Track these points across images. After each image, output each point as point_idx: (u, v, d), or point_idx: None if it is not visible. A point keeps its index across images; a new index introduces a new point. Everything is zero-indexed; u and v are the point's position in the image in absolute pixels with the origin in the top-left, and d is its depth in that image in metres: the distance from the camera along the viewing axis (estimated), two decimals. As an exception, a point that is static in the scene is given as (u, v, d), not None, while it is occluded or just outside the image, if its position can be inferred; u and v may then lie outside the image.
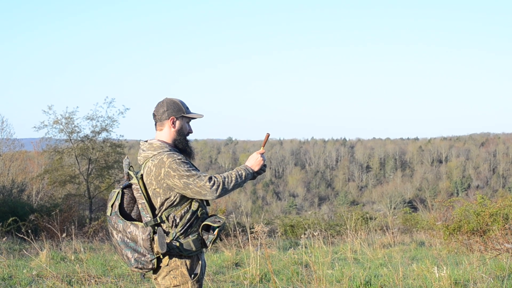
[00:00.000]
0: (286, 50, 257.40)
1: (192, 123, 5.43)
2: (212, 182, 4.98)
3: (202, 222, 5.19)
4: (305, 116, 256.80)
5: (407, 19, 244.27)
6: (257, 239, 13.35)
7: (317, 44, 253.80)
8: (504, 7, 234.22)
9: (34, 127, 33.66)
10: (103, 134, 34.88)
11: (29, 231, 15.71)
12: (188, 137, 5.36)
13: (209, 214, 5.29)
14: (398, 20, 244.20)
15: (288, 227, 24.27)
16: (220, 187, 5.00)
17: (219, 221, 5.14)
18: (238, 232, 16.22)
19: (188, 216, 5.11)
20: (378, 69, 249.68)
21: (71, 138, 34.24)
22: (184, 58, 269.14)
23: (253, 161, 5.31)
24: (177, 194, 5.07)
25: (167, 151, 5.16)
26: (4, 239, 15.36)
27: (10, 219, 18.18)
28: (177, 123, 5.28)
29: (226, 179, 5.06)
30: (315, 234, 14.77)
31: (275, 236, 20.52)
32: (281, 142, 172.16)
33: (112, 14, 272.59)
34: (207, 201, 5.28)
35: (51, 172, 33.97)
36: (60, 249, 15.25)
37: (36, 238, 17.33)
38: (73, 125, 34.07)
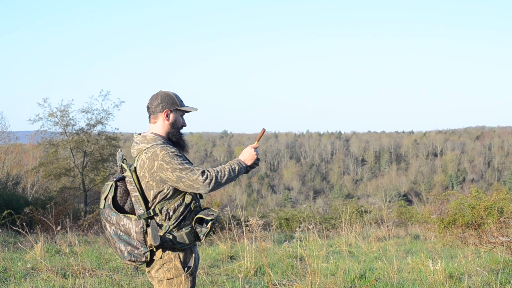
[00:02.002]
0: (282, 43, 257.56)
1: (186, 116, 5.44)
2: (205, 176, 4.98)
3: (196, 215, 5.20)
4: (301, 109, 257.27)
5: (402, 12, 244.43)
6: (252, 232, 13.37)
7: (312, 37, 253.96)
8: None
9: (29, 120, 33.57)
10: (98, 127, 34.80)
11: (24, 224, 15.67)
12: (182, 130, 5.36)
13: (203, 207, 5.30)
14: (393, 13, 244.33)
15: (283, 220, 24.27)
16: (213, 181, 5.00)
17: (212, 214, 5.14)
18: (233, 225, 16.22)
19: (181, 209, 5.12)
20: (373, 62, 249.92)
21: (66, 131, 34.15)
22: (180, 51, 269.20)
23: (247, 155, 5.31)
24: (170, 187, 5.07)
25: (161, 144, 5.16)
26: (-2, 232, 15.34)
27: (5, 212, 18.12)
28: (171, 116, 5.28)
29: (219, 173, 5.06)
30: (310, 227, 14.78)
31: (270, 230, 20.52)
32: (276, 135, 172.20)
33: (108, 7, 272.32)
34: (200, 194, 5.29)
35: (46, 165, 33.90)
36: (55, 242, 15.23)
37: (31, 231, 17.32)
38: (68, 118, 33.97)
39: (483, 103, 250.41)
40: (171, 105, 5.27)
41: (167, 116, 5.27)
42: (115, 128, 35.62)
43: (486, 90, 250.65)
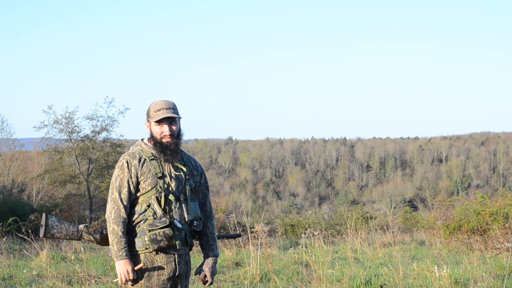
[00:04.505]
0: (286, 49, 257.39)
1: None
2: (110, 207, 5.19)
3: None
4: (305, 115, 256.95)
5: (407, 17, 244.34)
6: (258, 238, 13.35)
7: (317, 43, 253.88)
8: (504, 5, 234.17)
9: (34, 127, 33.71)
10: (103, 134, 34.93)
11: (29, 231, 15.67)
12: (168, 138, 5.30)
13: (167, 219, 5.20)
14: (398, 18, 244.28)
15: (288, 227, 24.27)
16: (110, 216, 5.17)
17: (157, 226, 5.12)
18: (238, 231, 16.22)
19: (135, 215, 5.20)
20: (378, 68, 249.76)
21: (71, 138, 34.27)
22: (184, 57, 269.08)
23: (120, 266, 5.14)
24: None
25: (130, 150, 5.36)
26: (4, 239, 15.34)
27: (10, 219, 18.14)
28: (148, 127, 5.41)
29: (111, 226, 5.17)
30: (315, 233, 14.74)
31: (275, 236, 20.51)
32: (281, 141, 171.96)
33: (112, 13, 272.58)
34: (163, 204, 5.20)
35: (51, 172, 33.99)
36: (60, 249, 15.25)
37: (36, 238, 17.32)
38: (73, 125, 34.11)
39: (488, 108, 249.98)
40: (146, 117, 5.40)
41: (148, 127, 5.41)
42: (120, 135, 35.79)
43: (490, 95, 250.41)
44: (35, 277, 11.14)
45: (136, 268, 5.12)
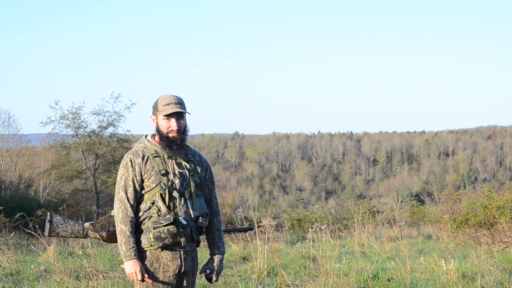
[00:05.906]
0: (293, 44, 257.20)
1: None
2: (117, 207, 5.18)
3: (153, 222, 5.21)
4: (312, 110, 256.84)
5: (412, 12, 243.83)
6: (265, 233, 13.36)
7: (323, 38, 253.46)
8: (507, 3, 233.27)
9: (41, 122, 33.68)
10: (110, 129, 34.87)
11: (37, 226, 15.70)
12: (174, 133, 5.27)
13: (175, 217, 5.18)
14: (404, 13, 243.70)
15: (295, 221, 24.25)
16: (117, 216, 5.17)
17: (160, 223, 5.10)
18: (246, 226, 16.20)
19: (140, 213, 5.19)
20: (384, 62, 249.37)
21: (78, 133, 34.24)
22: (191, 52, 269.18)
23: (129, 266, 5.14)
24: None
25: (133, 148, 5.36)
26: (11, 234, 15.38)
27: (18, 214, 18.15)
28: (154, 120, 5.36)
29: (120, 225, 5.16)
30: (322, 228, 14.76)
31: (282, 230, 20.51)
32: (287, 136, 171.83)
33: (118, 8, 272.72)
34: (167, 201, 5.18)
35: (58, 168, 34.01)
36: (68, 244, 15.26)
37: (44, 233, 17.36)
38: (79, 120, 34.07)
39: (495, 102, 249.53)
40: (153, 110, 5.35)
41: (153, 121, 5.36)
42: (127, 130, 35.70)
43: (497, 89, 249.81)
44: (43, 272, 11.15)
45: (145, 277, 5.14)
